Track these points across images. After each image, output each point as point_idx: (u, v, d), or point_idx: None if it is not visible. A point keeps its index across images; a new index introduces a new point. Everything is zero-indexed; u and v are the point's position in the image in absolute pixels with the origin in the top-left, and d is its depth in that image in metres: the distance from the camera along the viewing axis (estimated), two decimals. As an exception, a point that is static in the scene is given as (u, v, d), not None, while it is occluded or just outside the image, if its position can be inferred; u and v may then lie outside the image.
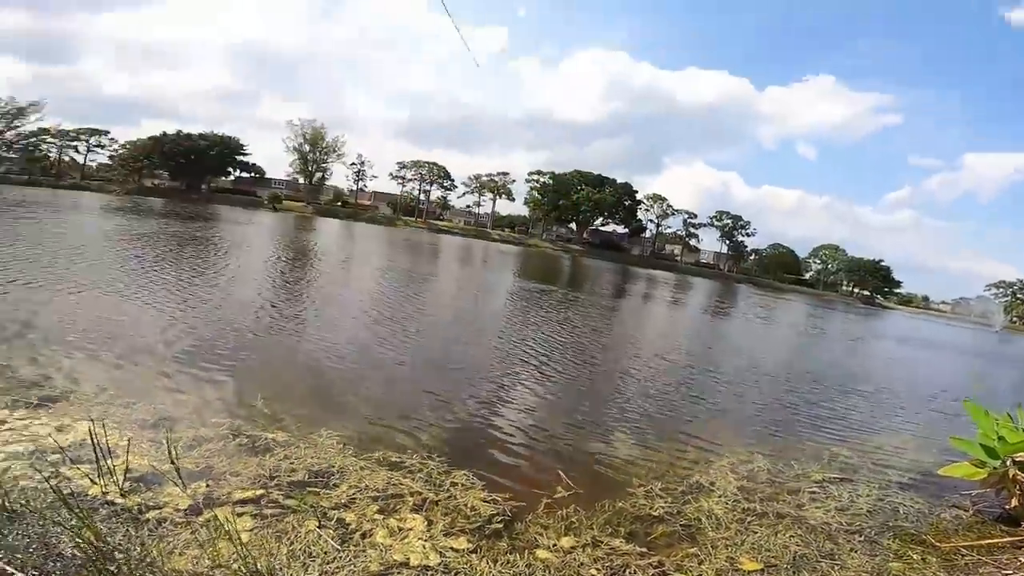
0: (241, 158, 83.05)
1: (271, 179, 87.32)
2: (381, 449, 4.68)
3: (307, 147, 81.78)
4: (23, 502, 3.17)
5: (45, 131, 77.77)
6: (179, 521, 3.22)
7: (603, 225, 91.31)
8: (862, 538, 4.19)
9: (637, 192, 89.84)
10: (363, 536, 3.32)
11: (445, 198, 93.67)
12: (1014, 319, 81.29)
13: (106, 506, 3.28)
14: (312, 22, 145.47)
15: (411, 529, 3.46)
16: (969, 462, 5.09)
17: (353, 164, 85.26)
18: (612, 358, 10.97)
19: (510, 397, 7.08)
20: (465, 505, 3.90)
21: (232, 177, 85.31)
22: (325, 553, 3.10)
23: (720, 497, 4.70)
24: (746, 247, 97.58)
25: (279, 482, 3.84)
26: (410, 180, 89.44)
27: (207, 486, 3.66)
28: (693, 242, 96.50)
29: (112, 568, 2.72)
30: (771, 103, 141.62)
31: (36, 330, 6.89)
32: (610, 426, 6.44)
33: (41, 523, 2.98)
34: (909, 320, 59.67)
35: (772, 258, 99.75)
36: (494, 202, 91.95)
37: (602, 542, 3.68)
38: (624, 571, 3.39)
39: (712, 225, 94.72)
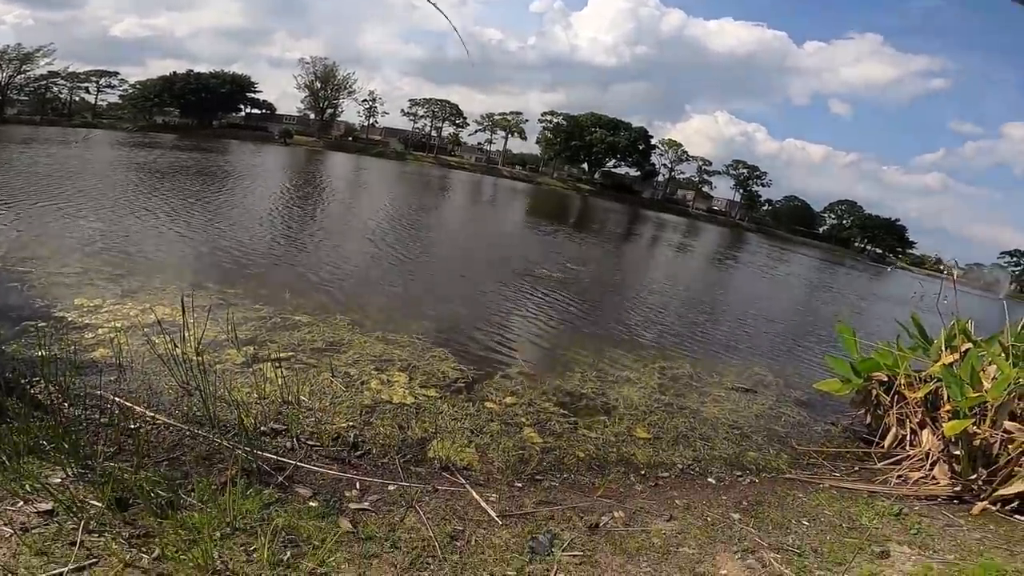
0: (252, 95, 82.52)
1: (282, 115, 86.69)
2: (380, 330, 6.20)
3: (318, 84, 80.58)
4: (129, 359, 4.57)
5: (55, 74, 76.87)
6: (237, 371, 4.64)
7: (615, 167, 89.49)
8: (738, 432, 5.40)
9: (652, 137, 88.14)
10: (362, 383, 4.76)
11: (457, 135, 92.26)
12: (1020, 288, 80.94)
13: (186, 362, 4.67)
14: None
15: (396, 381, 4.91)
16: (838, 379, 5.88)
17: (365, 101, 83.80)
18: (596, 282, 12.28)
19: (490, 304, 8.90)
20: (438, 370, 5.39)
21: (243, 113, 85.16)
22: (334, 392, 4.52)
23: (641, 388, 6.08)
24: (760, 197, 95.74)
25: (304, 348, 5.33)
26: (422, 117, 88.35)
27: (254, 349, 5.09)
28: (706, 189, 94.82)
29: (196, 400, 4.11)
30: (808, 58, 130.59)
31: (118, 241, 8.37)
32: (573, 331, 8.04)
33: (144, 373, 4.39)
34: (912, 281, 59.65)
35: (785, 210, 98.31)
36: (506, 140, 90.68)
37: (535, 403, 5.10)
38: (546, 422, 4.79)
39: (727, 173, 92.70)
